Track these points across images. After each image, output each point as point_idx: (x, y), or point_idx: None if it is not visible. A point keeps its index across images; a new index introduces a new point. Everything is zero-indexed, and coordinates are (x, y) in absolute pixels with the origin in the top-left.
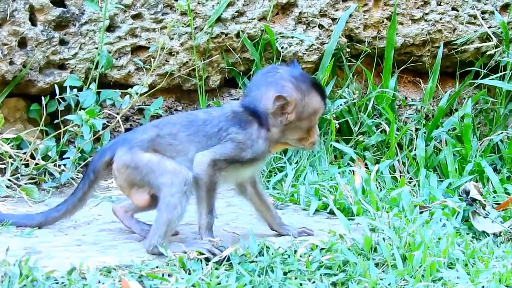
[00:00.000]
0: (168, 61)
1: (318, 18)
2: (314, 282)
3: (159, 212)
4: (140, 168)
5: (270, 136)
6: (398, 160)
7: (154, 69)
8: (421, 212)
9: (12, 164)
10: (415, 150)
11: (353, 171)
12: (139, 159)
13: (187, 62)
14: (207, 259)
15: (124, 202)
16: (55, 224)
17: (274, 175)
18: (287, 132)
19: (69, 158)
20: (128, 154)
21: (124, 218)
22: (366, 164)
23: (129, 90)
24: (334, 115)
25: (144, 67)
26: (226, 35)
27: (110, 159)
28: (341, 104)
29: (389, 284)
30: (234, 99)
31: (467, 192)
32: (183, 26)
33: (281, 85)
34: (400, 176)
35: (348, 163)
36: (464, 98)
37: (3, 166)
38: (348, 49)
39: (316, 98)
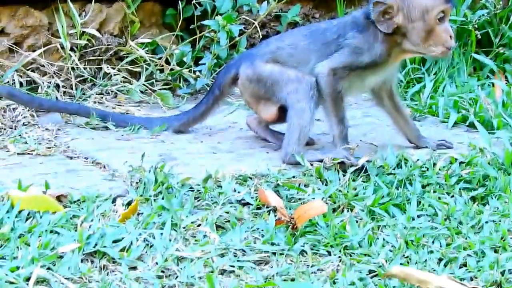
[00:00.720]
0: None
1: None
2: (453, 196)
3: (290, 120)
4: (263, 80)
5: (391, 40)
6: None
7: None
8: None
9: (147, 69)
10: None
11: (493, 83)
12: (261, 70)
13: None
14: (344, 170)
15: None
16: (189, 131)
17: (412, 86)
18: (407, 38)
19: (204, 64)
20: (250, 68)
21: (259, 129)
22: (506, 77)
23: None
24: (476, 26)
25: None
26: None
27: (235, 75)
28: (482, 15)
29: None
30: None
31: None
32: None
33: None
34: None
35: (488, 76)
36: None
37: (138, 70)
38: None
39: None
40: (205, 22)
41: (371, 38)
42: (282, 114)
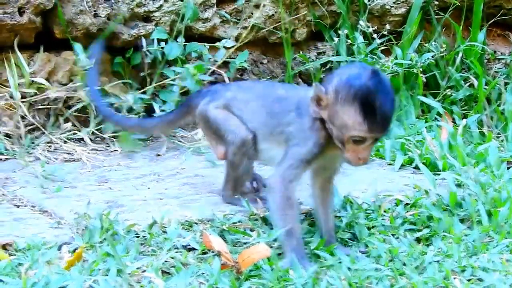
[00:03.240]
0: (254, 14)
1: None
2: (398, 237)
3: (226, 168)
4: (210, 122)
5: (326, 129)
6: (486, 115)
7: (241, 22)
8: (508, 168)
9: (95, 117)
10: (503, 104)
11: (440, 125)
12: (210, 113)
13: (273, 15)
14: None
15: None
16: (137, 177)
17: None
18: (331, 132)
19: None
20: (205, 106)
21: None
22: (453, 119)
23: (217, 43)
24: (421, 69)
25: (230, 20)
26: None
27: (200, 101)
28: (428, 58)
29: (473, 240)
30: (320, 52)
31: None
32: None
33: (332, 78)
34: (488, 131)
35: (436, 118)
36: None
37: (87, 117)
38: (436, 2)
39: (352, 113)
40: (175, 69)
41: (306, 124)
42: None
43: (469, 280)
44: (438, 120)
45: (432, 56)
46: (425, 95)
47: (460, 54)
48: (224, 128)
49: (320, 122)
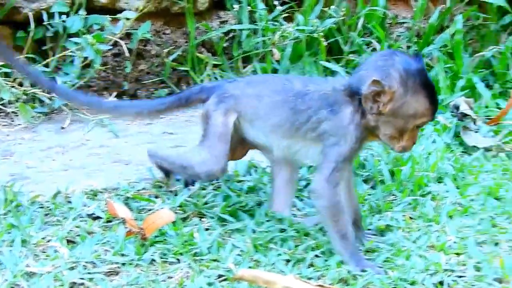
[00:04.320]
0: None
1: None
2: (302, 200)
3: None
4: (207, 125)
5: (365, 123)
6: None
7: None
8: None
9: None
10: None
11: None
12: (213, 118)
13: None
14: (193, 182)
15: None
16: (42, 150)
17: None
18: (380, 124)
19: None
20: (213, 106)
21: None
22: None
23: (118, 15)
24: (323, 35)
25: None
26: None
27: (205, 98)
28: (330, 24)
29: (377, 199)
30: (223, 21)
31: (458, 107)
32: None
33: (387, 72)
34: None
35: None
36: (455, 15)
37: None
38: None
39: (422, 100)
40: (74, 39)
41: (345, 120)
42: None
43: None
44: None
45: (334, 22)
46: (328, 61)
47: (362, 19)
48: (208, 143)
49: (359, 116)
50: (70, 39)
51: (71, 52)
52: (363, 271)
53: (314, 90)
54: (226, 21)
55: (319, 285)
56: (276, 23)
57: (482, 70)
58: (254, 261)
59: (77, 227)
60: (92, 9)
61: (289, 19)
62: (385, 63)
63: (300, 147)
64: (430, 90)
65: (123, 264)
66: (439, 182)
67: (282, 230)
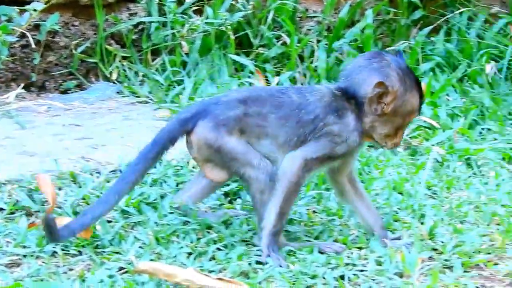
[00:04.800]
0: None
1: None
2: None
3: (253, 202)
4: (223, 152)
5: (363, 126)
6: (299, 72)
7: None
8: None
9: None
10: (316, 61)
11: (252, 83)
12: (224, 142)
13: None
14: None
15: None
16: None
17: (173, 89)
18: (378, 124)
19: None
20: (213, 133)
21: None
22: (266, 76)
23: (26, 6)
24: (231, 27)
25: None
26: None
27: (191, 129)
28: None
29: None
30: (132, 13)
31: None
32: None
33: (386, 73)
34: None
35: (249, 76)
36: (366, 9)
37: None
38: None
39: (416, 97)
40: None
41: (350, 126)
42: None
43: None
44: (252, 78)
45: (244, 16)
46: (238, 54)
47: (272, 13)
48: (244, 161)
49: (359, 122)
50: None
51: None
52: (266, 263)
53: (315, 99)
54: (136, 13)
55: (219, 278)
56: (185, 16)
57: None
58: (156, 253)
59: None
60: (0, 1)
61: (199, 12)
62: (380, 64)
63: None
64: (420, 85)
65: (25, 256)
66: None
67: (185, 223)
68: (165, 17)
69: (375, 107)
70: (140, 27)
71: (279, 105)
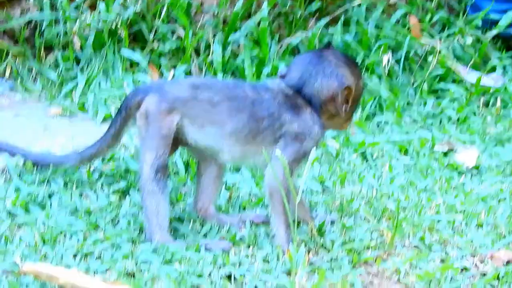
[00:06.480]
0: None
1: None
2: (95, 191)
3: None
4: (147, 128)
5: (322, 119)
6: (194, 65)
7: None
8: None
9: None
10: (212, 55)
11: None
12: (154, 119)
13: None
14: None
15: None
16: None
17: (66, 85)
18: (336, 117)
19: None
20: (153, 106)
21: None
22: (161, 71)
23: None
24: (124, 22)
25: None
26: None
27: (140, 100)
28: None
29: (170, 191)
30: (24, 10)
31: None
32: None
33: (341, 74)
34: None
35: (145, 70)
36: (263, 2)
37: None
38: None
39: (361, 78)
40: None
41: (309, 121)
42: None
43: None
44: (147, 73)
45: (137, 11)
46: (133, 49)
47: (166, 7)
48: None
49: (317, 115)
50: None
51: None
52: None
53: (269, 97)
54: (28, 9)
55: (103, 280)
56: (78, 11)
57: (291, 56)
58: (42, 254)
59: None
60: None
61: (93, 7)
62: (330, 66)
63: (254, 152)
64: (358, 65)
65: None
66: (236, 172)
67: (73, 224)
68: (57, 14)
69: (344, 108)
70: (34, 23)
71: (232, 97)
